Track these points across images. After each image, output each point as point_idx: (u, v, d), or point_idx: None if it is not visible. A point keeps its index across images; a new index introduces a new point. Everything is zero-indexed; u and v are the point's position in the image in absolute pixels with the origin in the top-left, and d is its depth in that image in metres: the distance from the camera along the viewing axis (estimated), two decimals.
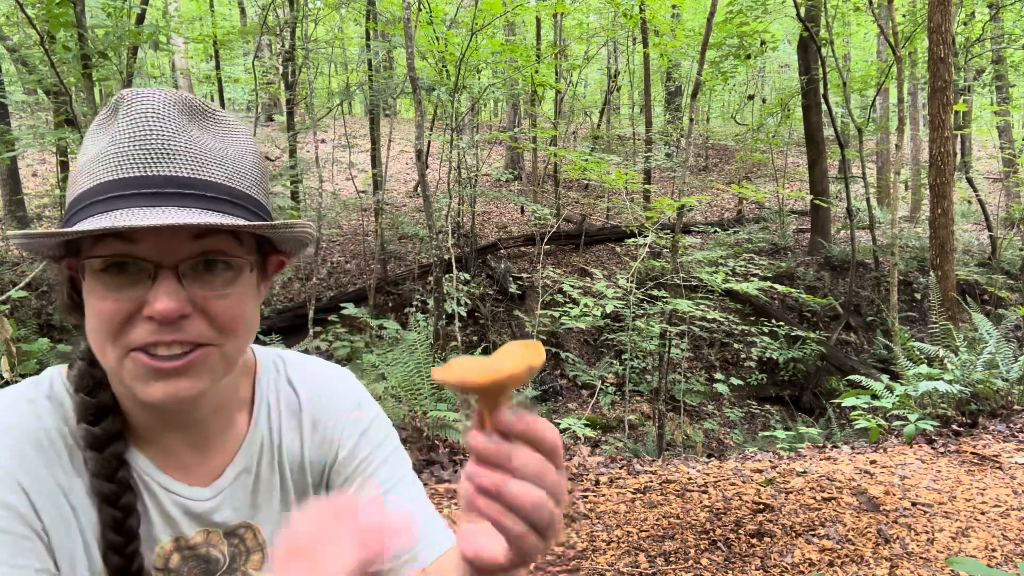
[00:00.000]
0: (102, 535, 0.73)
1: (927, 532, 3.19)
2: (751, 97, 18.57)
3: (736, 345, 9.22)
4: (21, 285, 5.07)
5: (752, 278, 6.92)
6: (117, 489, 0.73)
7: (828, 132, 12.27)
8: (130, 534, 0.73)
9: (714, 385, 8.46)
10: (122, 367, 0.69)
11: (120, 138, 0.68)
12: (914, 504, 3.47)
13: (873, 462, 4.12)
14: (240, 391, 0.86)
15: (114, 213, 0.65)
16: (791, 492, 3.66)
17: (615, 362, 8.91)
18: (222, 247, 0.69)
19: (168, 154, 0.67)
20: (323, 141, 13.53)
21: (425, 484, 3.89)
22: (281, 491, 0.86)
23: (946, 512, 3.38)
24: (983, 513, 3.36)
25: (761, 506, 3.49)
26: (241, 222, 0.68)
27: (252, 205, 0.72)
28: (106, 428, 0.74)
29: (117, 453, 0.74)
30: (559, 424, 5.17)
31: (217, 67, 13.18)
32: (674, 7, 13.33)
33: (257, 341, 0.87)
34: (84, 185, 0.69)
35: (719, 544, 3.15)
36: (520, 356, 0.52)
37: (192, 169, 0.68)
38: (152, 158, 0.67)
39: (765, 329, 7.99)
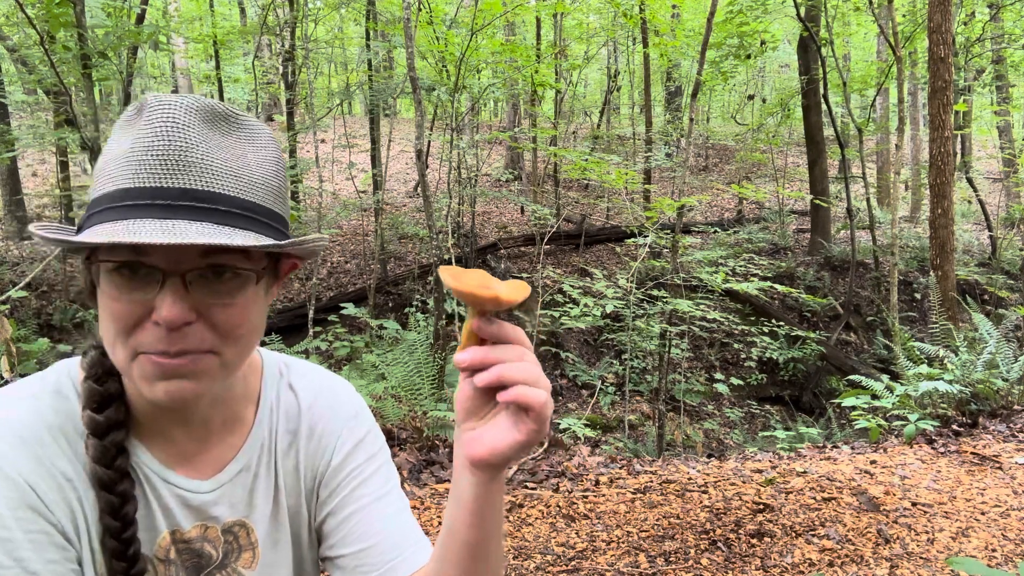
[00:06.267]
0: (99, 520, 0.75)
1: (927, 532, 3.19)
2: (751, 97, 18.57)
3: (736, 345, 9.21)
4: (21, 285, 5.07)
5: (752, 278, 6.91)
6: (115, 475, 0.75)
7: (828, 132, 12.27)
8: (126, 520, 0.75)
9: (714, 385, 8.45)
10: (131, 368, 0.71)
11: (139, 145, 0.69)
12: (914, 504, 3.47)
13: (873, 462, 4.11)
14: (249, 385, 0.88)
15: (127, 222, 0.67)
16: (791, 492, 3.66)
17: (615, 362, 8.91)
18: (230, 262, 0.71)
19: (184, 166, 0.68)
20: (323, 141, 13.53)
21: (425, 484, 3.89)
22: (275, 493, 0.88)
23: (946, 512, 3.38)
24: (983, 513, 3.36)
25: (761, 506, 3.49)
26: (251, 239, 0.69)
27: (266, 216, 0.73)
28: (109, 416, 0.76)
29: (117, 441, 0.76)
30: (559, 424, 5.17)
31: (217, 67, 13.18)
32: (674, 7, 13.31)
33: None
34: (104, 187, 0.70)
35: (719, 544, 3.15)
36: (516, 286, 0.64)
37: (207, 182, 0.69)
38: (168, 170, 0.68)
39: (765, 329, 7.97)
